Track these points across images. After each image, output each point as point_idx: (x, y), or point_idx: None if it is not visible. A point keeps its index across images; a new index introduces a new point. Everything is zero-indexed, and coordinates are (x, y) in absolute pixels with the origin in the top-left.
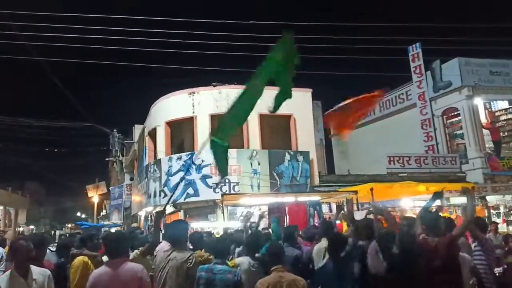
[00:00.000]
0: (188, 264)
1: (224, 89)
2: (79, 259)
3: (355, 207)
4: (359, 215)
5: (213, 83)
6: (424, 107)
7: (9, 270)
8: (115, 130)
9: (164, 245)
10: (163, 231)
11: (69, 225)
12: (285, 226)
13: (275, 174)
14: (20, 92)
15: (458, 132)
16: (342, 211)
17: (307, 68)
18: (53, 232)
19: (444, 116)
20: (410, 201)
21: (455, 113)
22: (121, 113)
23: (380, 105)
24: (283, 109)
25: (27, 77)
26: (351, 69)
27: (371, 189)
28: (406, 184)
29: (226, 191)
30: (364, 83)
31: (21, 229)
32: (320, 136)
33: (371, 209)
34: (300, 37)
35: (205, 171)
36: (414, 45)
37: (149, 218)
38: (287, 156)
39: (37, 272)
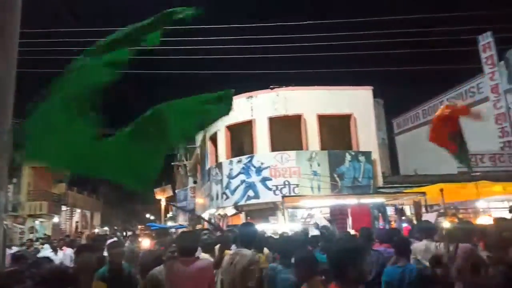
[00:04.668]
0: (252, 266)
1: (281, 91)
2: None
3: (423, 209)
4: (428, 218)
5: (271, 86)
6: (498, 100)
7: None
8: None
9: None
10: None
11: (140, 227)
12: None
13: (335, 176)
14: None
15: None
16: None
17: (368, 65)
18: (124, 233)
19: None
20: (485, 203)
21: None
22: None
23: (448, 100)
24: (343, 109)
25: None
26: (415, 64)
27: (441, 190)
28: (481, 184)
29: (286, 193)
30: (429, 78)
31: (96, 230)
32: (382, 135)
33: (441, 210)
34: (361, 33)
35: (265, 173)
36: (484, 34)
37: (212, 220)
38: (348, 157)
39: None
